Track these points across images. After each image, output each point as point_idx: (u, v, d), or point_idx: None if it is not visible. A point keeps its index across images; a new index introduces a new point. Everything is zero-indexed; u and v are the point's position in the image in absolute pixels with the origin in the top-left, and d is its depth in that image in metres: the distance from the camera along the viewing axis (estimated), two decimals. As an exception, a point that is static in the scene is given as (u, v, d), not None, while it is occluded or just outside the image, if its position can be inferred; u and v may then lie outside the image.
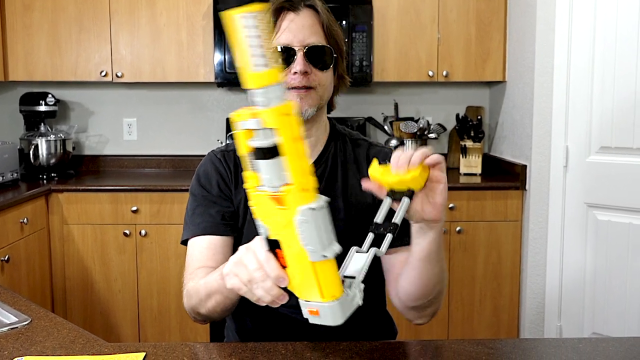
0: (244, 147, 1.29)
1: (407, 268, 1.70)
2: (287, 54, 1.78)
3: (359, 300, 1.36)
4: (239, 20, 1.24)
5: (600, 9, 3.75)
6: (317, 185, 1.30)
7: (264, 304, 1.38)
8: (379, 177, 1.49)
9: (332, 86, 1.89)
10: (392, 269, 1.85)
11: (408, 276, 1.71)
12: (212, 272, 1.70)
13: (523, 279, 4.26)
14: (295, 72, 1.77)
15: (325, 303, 1.30)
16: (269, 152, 1.27)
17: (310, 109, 1.81)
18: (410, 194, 1.47)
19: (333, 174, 1.91)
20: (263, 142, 1.26)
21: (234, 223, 1.91)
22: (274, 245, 1.34)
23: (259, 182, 1.31)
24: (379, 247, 1.43)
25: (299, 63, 1.77)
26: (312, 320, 1.33)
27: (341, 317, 1.31)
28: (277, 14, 1.81)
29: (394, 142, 4.68)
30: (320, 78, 1.82)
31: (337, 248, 1.31)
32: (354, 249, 1.42)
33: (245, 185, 1.35)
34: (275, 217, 1.31)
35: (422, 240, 1.60)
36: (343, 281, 1.35)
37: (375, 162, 1.52)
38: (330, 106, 1.99)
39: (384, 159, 1.92)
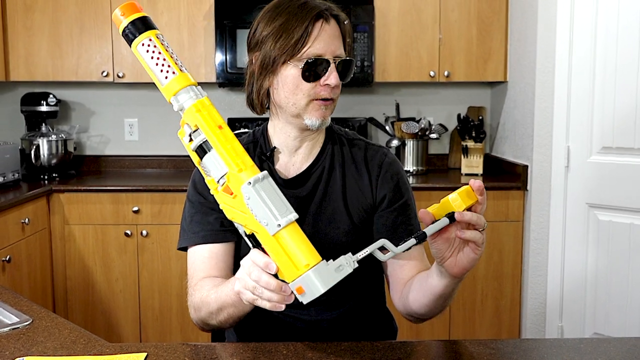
0: (194, 157, 1.39)
1: (418, 292, 1.73)
2: (320, 65, 1.75)
3: (347, 269, 1.35)
4: (139, 49, 1.44)
5: (601, 9, 3.74)
6: (253, 162, 1.36)
7: (280, 308, 1.41)
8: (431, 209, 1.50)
9: None
10: (396, 275, 1.87)
11: (416, 298, 1.74)
12: (221, 285, 1.70)
13: (524, 279, 4.26)
14: (327, 84, 1.76)
15: (302, 275, 1.32)
16: (203, 149, 1.37)
17: (329, 118, 1.82)
18: (451, 215, 1.47)
19: (331, 175, 1.90)
20: (196, 143, 1.38)
21: (233, 228, 1.90)
22: (257, 241, 1.38)
23: (215, 182, 1.39)
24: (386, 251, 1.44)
25: (334, 77, 1.75)
26: (304, 299, 1.34)
27: (323, 285, 1.32)
28: (314, 22, 1.75)
29: (395, 143, 4.68)
30: (339, 88, 1.81)
31: (292, 216, 1.34)
32: (355, 256, 1.39)
33: (211, 192, 1.42)
34: (236, 208, 1.36)
35: (439, 281, 1.64)
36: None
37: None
38: None
39: (382, 159, 1.92)
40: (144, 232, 4.20)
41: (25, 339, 1.61)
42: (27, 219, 3.91)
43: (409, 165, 4.66)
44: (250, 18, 4.42)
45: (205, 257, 1.86)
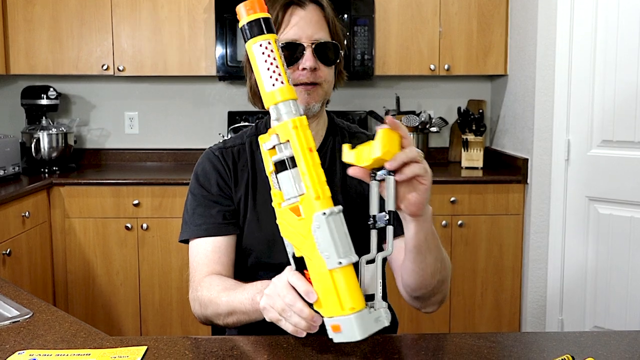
0: (268, 166, 1.38)
1: (404, 259, 1.68)
2: (295, 50, 1.78)
3: (384, 322, 1.37)
4: (253, 47, 1.38)
5: (601, 1, 3.74)
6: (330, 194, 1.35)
7: (302, 334, 1.41)
8: (355, 161, 1.44)
9: (333, 81, 1.90)
10: (394, 257, 1.83)
11: (405, 267, 1.69)
12: (234, 290, 1.70)
13: (524, 272, 4.26)
14: (304, 69, 1.77)
15: (345, 316, 1.32)
16: (285, 164, 1.35)
17: (316, 105, 1.82)
18: (389, 170, 1.43)
19: (332, 167, 1.90)
20: (280, 156, 1.35)
21: (236, 221, 1.90)
22: (302, 265, 1.39)
23: (282, 198, 1.38)
24: (384, 241, 1.43)
25: (308, 59, 1.77)
26: (336, 338, 1.35)
27: (361, 332, 1.32)
28: (285, 9, 1.80)
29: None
30: (326, 74, 1.82)
31: (354, 258, 1.34)
32: (363, 259, 1.40)
33: (273, 204, 1.40)
34: (296, 229, 1.35)
35: (407, 232, 1.58)
36: (365, 297, 1.36)
37: (346, 147, 1.46)
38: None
39: None
40: (145, 226, 4.21)
41: (26, 332, 1.61)
42: (27, 213, 3.91)
43: (409, 159, 4.65)
44: (251, 11, 4.40)
45: (208, 250, 1.86)
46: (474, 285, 4.32)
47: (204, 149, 2.03)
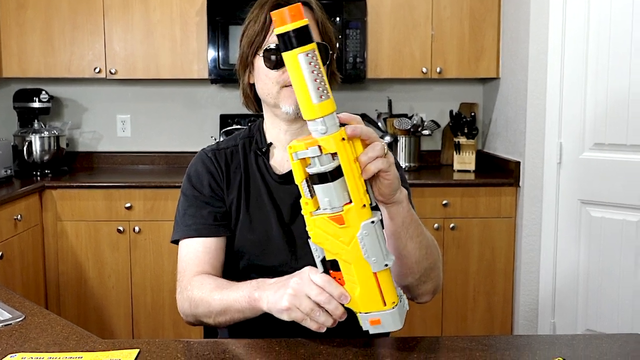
0: (300, 175, 1.38)
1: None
2: (279, 51, 1.78)
3: (407, 305, 1.48)
4: (300, 58, 1.32)
5: (593, 5, 3.75)
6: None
7: (323, 330, 1.47)
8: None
9: None
10: None
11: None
12: (227, 288, 1.70)
13: (517, 275, 4.27)
14: None
15: (388, 310, 1.42)
16: (331, 176, 1.35)
17: None
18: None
19: None
20: (324, 167, 1.35)
21: (227, 223, 1.90)
22: (329, 268, 1.44)
23: (315, 206, 1.40)
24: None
25: None
26: (373, 330, 1.44)
27: (401, 322, 1.44)
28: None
29: (387, 139, 4.68)
30: None
31: (392, 257, 1.41)
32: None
33: (302, 212, 1.41)
34: (336, 237, 1.38)
35: (384, 220, 1.59)
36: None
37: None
38: None
39: None
40: (137, 229, 4.20)
41: (18, 335, 1.61)
42: (19, 216, 3.90)
43: (401, 162, 4.65)
44: (242, 14, 4.37)
45: (199, 251, 1.86)
46: (466, 288, 4.32)
47: (196, 152, 2.03)
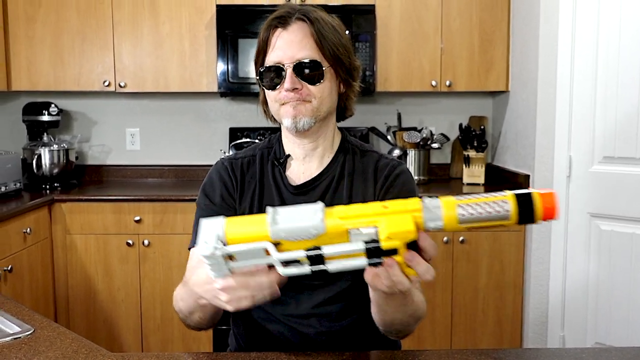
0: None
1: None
2: (277, 73, 1.80)
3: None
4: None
5: (603, 19, 3.75)
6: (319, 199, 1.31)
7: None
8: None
9: (332, 96, 1.88)
10: None
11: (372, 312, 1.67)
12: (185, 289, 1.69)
13: (526, 288, 4.25)
14: (288, 90, 1.79)
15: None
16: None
17: (304, 119, 1.81)
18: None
19: (338, 185, 1.90)
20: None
21: None
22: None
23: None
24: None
25: (287, 81, 1.78)
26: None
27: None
28: (269, 31, 1.83)
29: (397, 152, 4.68)
30: (313, 91, 1.81)
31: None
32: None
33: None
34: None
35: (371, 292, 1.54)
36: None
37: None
38: (345, 113, 1.99)
39: (390, 171, 1.91)
40: (146, 242, 4.20)
41: (27, 348, 1.61)
42: (28, 229, 3.91)
43: (411, 175, 4.65)
44: (252, 28, 4.43)
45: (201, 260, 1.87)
46: (475, 302, 4.31)
47: (205, 165, 2.04)
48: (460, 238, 4.22)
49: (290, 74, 1.78)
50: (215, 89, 4.54)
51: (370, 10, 4.47)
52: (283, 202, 1.88)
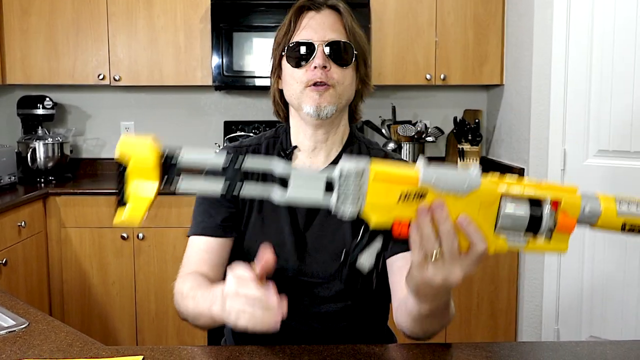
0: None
1: (401, 309, 1.61)
2: (308, 50, 1.79)
3: None
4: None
5: (597, 12, 3.75)
6: None
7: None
8: None
9: (352, 87, 1.88)
10: (394, 288, 1.77)
11: (401, 315, 1.62)
12: (205, 293, 1.64)
13: (521, 282, 4.26)
14: (315, 67, 1.77)
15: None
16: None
17: (329, 107, 1.80)
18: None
19: None
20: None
21: (235, 224, 1.89)
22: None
23: None
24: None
25: (318, 57, 1.77)
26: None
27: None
28: (298, 13, 1.84)
29: (391, 146, 4.68)
30: (339, 75, 1.81)
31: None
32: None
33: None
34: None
35: (412, 300, 1.44)
36: None
37: None
38: (354, 114, 1.99)
39: None
40: (141, 235, 4.20)
41: (22, 342, 1.61)
42: (23, 222, 3.90)
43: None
44: (246, 21, 4.42)
45: (201, 249, 1.87)
46: (470, 295, 4.31)
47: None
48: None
49: (321, 52, 1.78)
50: (210, 82, 4.54)
51: (365, 4, 4.46)
52: None
